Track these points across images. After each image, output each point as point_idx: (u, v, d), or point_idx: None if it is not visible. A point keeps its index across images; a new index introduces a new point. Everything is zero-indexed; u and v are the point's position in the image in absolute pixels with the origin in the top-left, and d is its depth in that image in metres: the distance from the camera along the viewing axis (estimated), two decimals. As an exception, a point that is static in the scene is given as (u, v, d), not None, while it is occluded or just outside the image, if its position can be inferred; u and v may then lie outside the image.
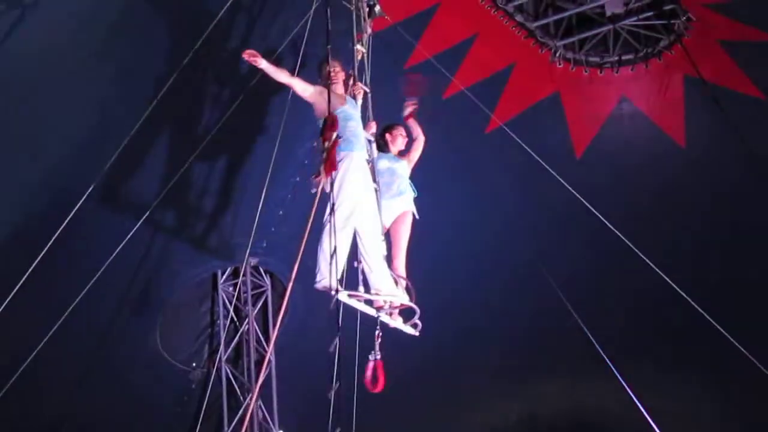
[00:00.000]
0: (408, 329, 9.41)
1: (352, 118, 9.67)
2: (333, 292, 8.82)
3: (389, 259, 9.61)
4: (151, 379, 16.30)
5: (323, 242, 9.00)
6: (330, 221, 9.01)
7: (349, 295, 8.95)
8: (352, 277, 9.32)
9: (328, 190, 9.26)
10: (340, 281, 8.96)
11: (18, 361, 12.25)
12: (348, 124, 9.53)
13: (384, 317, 9.20)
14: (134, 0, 12.36)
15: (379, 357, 9.03)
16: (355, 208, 9.13)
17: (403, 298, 9.33)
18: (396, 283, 9.41)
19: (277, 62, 9.96)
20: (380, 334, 9.16)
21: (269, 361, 16.11)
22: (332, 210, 9.06)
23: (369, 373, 9.02)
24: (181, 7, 12.74)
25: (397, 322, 9.36)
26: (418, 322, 9.35)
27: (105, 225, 13.21)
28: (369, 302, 9.24)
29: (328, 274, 8.85)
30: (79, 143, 12.92)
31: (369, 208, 9.39)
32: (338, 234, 8.95)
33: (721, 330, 12.30)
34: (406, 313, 9.57)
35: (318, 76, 10.04)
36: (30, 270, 11.00)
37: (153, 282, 15.34)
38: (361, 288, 9.18)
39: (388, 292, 9.21)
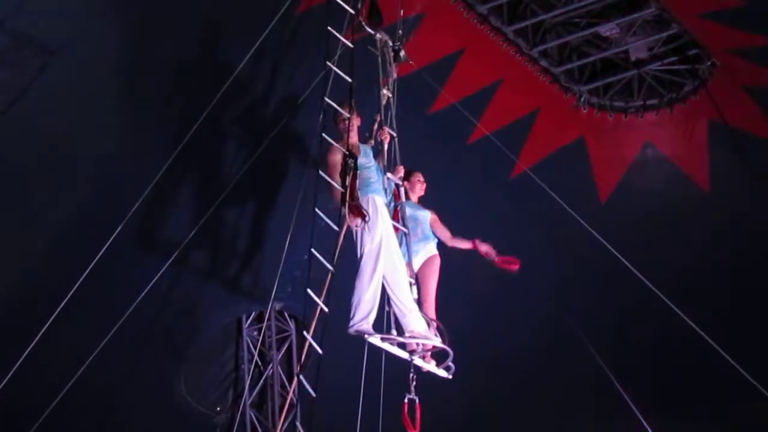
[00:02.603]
0: (441, 372, 9.35)
1: (364, 167, 9.67)
2: (366, 336, 8.81)
3: (419, 303, 9.57)
4: (176, 423, 16.28)
5: (356, 287, 9.00)
6: (361, 265, 9.02)
7: (382, 339, 8.92)
8: (380, 322, 9.31)
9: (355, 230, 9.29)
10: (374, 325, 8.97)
11: (44, 403, 12.26)
12: (361, 173, 9.53)
13: (417, 360, 9.15)
14: (158, 46, 12.46)
15: (415, 398, 8.96)
16: (381, 250, 9.12)
17: (436, 341, 9.28)
18: (428, 325, 9.37)
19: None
20: (414, 376, 9.11)
21: (293, 406, 16.07)
22: (359, 255, 9.08)
23: (405, 412, 8.95)
24: (204, 55, 12.84)
25: (430, 366, 9.30)
26: (451, 364, 9.29)
27: (129, 269, 13.23)
28: (402, 345, 9.20)
29: (360, 319, 8.85)
30: (102, 190, 13.02)
31: (395, 252, 9.38)
32: (371, 277, 8.96)
33: (748, 377, 12.20)
34: (438, 356, 9.52)
35: (333, 123, 10.08)
36: (56, 313, 11.03)
37: (178, 326, 15.36)
38: (394, 331, 9.15)
39: (421, 335, 9.18)
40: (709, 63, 15.93)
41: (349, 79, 10.31)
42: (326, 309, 9.59)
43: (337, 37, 10.92)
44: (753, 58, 14.94)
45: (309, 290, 9.71)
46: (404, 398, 8.94)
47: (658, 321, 14.30)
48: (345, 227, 9.41)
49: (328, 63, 10.67)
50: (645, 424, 13.53)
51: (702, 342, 12.24)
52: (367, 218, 9.09)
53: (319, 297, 9.83)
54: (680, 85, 16.61)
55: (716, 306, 15.72)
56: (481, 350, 15.84)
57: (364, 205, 9.21)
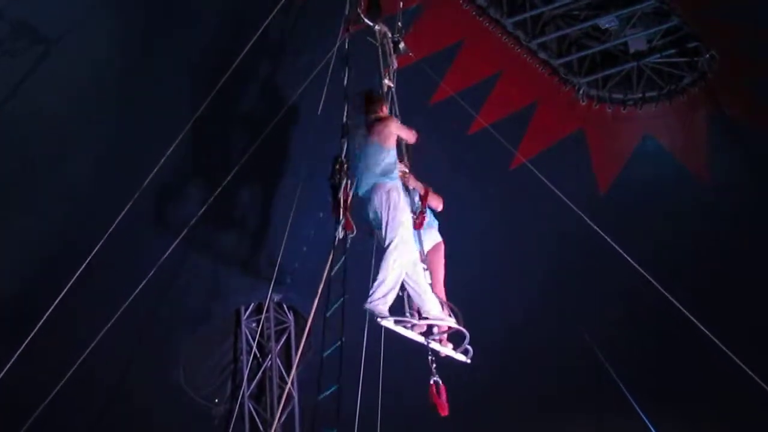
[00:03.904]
0: (459, 356, 9.30)
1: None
2: (379, 319, 8.80)
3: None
4: (174, 414, 16.28)
5: (382, 266, 8.99)
6: (390, 247, 9.00)
7: (396, 322, 8.91)
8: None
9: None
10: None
11: (41, 394, 12.26)
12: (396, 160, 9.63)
13: (434, 344, 9.11)
14: (158, 34, 12.45)
15: (438, 380, 8.90)
16: (409, 236, 9.15)
17: (450, 321, 9.23)
18: (441, 307, 9.36)
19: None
20: (434, 359, 9.06)
21: (292, 397, 16.07)
22: (389, 239, 9.06)
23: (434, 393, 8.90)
24: (206, 42, 12.83)
25: (447, 349, 9.27)
26: (469, 348, 9.24)
27: (127, 261, 13.24)
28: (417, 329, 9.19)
29: (379, 297, 8.83)
30: (103, 178, 13.02)
31: (410, 236, 9.39)
32: (396, 260, 8.97)
33: (749, 371, 12.19)
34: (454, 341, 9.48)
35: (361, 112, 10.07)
36: (53, 306, 11.01)
37: (176, 318, 15.37)
38: (408, 315, 9.14)
39: (437, 316, 9.15)
40: (708, 55, 15.92)
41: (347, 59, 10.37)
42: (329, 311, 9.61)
43: (337, 30, 10.95)
44: (752, 50, 14.94)
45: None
46: (430, 380, 8.90)
47: (657, 313, 14.26)
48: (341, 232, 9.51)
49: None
50: (643, 417, 13.57)
51: (702, 335, 12.23)
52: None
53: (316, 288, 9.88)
54: (679, 78, 16.61)
55: (716, 298, 15.71)
56: (479, 342, 15.86)
57: (393, 192, 9.26)
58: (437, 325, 9.20)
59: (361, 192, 9.61)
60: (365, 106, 10.06)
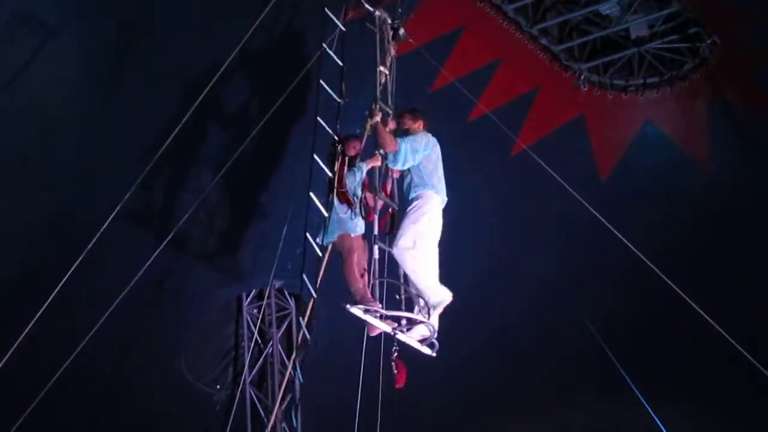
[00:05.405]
0: (424, 349, 9.29)
1: None
2: (348, 306, 8.87)
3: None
4: (176, 401, 16.31)
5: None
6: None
7: (365, 311, 8.94)
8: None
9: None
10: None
11: (42, 383, 12.28)
12: None
13: (400, 335, 9.11)
14: (155, 25, 12.45)
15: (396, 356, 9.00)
16: None
17: (419, 316, 9.20)
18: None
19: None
20: (397, 349, 9.09)
21: (293, 383, 16.08)
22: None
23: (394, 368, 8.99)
24: (202, 32, 12.82)
25: (413, 341, 9.26)
26: (435, 341, 9.25)
27: (129, 248, 13.25)
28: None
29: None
30: (99, 166, 13.03)
31: None
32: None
33: (750, 357, 12.19)
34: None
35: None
36: (54, 292, 11.03)
37: (178, 304, 15.38)
38: (378, 304, 9.16)
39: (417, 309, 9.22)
40: (709, 41, 15.87)
41: (341, 63, 10.37)
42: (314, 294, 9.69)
43: (334, 17, 10.95)
44: (753, 35, 14.90)
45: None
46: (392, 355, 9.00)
47: (657, 299, 14.28)
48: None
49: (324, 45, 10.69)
50: (641, 398, 13.60)
51: (700, 318, 12.24)
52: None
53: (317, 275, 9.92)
54: (680, 64, 16.55)
55: (717, 284, 15.71)
56: (471, 327, 15.88)
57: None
58: (406, 317, 9.21)
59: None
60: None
